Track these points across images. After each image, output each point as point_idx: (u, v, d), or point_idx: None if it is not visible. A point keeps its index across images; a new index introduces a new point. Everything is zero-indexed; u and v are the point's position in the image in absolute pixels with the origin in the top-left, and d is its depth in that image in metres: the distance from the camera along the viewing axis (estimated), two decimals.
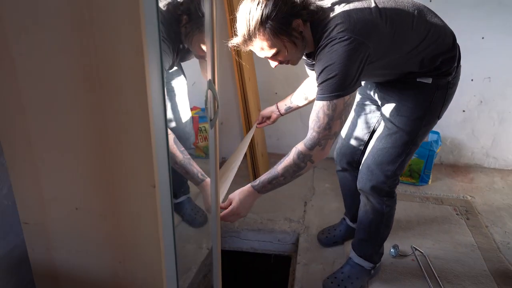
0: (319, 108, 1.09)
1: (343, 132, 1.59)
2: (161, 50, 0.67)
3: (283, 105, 1.61)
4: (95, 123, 0.72)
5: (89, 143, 0.74)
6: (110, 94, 0.69)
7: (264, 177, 1.15)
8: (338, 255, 1.72)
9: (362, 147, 1.53)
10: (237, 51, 1.95)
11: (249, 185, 1.19)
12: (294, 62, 1.19)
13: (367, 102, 1.49)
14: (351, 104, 1.32)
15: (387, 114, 1.31)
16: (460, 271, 1.60)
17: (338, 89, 1.05)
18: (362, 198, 1.46)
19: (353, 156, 1.56)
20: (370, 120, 1.49)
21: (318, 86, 1.09)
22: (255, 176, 2.36)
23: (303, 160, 1.11)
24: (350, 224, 1.77)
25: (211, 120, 0.99)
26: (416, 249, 1.71)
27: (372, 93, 1.42)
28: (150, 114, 0.69)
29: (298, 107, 1.59)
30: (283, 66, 1.25)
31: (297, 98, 1.56)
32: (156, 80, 0.69)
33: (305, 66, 1.36)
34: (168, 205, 0.79)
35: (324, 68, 1.05)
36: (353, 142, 1.55)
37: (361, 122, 1.52)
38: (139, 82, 0.66)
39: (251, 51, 1.15)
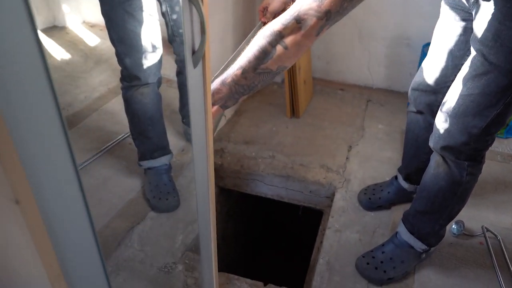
0: None
1: (426, 63, 1.13)
2: None
3: None
4: None
5: None
6: None
7: (216, 79, 0.77)
8: (381, 224, 1.38)
9: (449, 86, 1.08)
10: None
11: None
12: None
13: (458, 20, 0.99)
14: None
15: (477, 40, 0.84)
16: None
17: None
18: (435, 157, 1.05)
19: (436, 97, 1.12)
20: (463, 50, 1.01)
21: None
22: (293, 108, 1.97)
23: (272, 41, 0.70)
24: (403, 184, 1.39)
25: (194, 53, 0.60)
26: (487, 230, 1.32)
27: None
28: None
29: None
30: None
31: None
32: None
33: None
34: None
35: None
36: (436, 77, 1.10)
37: (448, 50, 1.04)
38: None
39: None
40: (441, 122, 0.98)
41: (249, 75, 0.72)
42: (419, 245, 1.15)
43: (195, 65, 0.61)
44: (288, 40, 0.70)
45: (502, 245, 1.27)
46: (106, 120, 1.85)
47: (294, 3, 0.71)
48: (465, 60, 1.00)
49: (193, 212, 1.45)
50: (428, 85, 1.13)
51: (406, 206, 1.41)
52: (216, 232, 1.89)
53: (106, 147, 1.67)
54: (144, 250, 1.28)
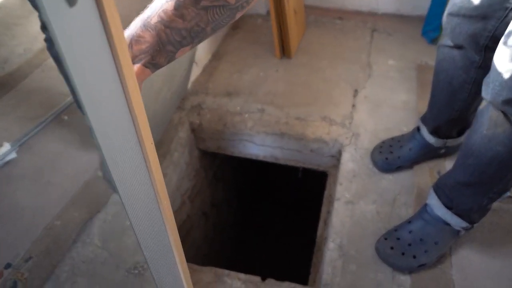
0: None
1: None
2: None
3: None
4: None
5: None
6: None
7: (136, 18, 0.44)
8: (402, 190, 1.12)
9: (508, 8, 0.76)
10: None
11: None
12: None
13: None
14: None
15: None
16: None
17: None
18: (489, 112, 0.75)
19: (486, 24, 0.79)
20: None
21: None
22: (283, 46, 1.62)
23: None
24: (429, 139, 1.10)
25: None
26: None
27: None
28: None
29: None
30: None
31: None
32: None
33: None
34: None
35: None
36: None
37: None
38: None
39: None
40: (505, 63, 0.67)
41: (188, 11, 0.39)
42: (458, 223, 0.90)
43: (71, 2, 0.28)
44: None
45: None
46: (52, 78, 1.49)
47: None
48: None
49: None
50: (476, 7, 0.79)
51: (432, 164, 1.14)
52: (204, 199, 1.65)
53: (53, 115, 1.34)
54: (107, 248, 1.02)
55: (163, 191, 0.52)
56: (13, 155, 1.20)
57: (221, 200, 1.86)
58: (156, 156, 0.45)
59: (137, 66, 0.43)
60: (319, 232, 1.21)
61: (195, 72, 1.56)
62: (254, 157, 1.46)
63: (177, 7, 0.39)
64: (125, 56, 0.35)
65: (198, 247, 1.63)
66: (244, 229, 2.27)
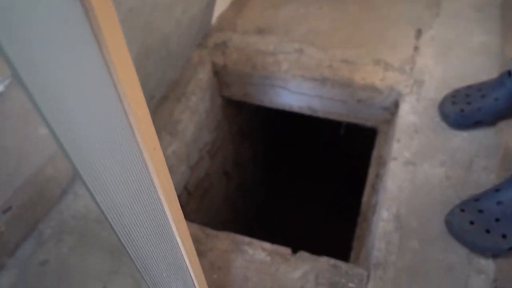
0: None
1: None
2: None
3: None
4: None
5: None
6: None
7: None
8: (481, 151, 0.87)
9: None
10: None
11: None
12: None
13: None
14: None
15: None
16: None
17: None
18: None
19: None
20: None
21: None
22: None
23: None
24: None
25: None
26: None
27: None
28: None
29: None
30: None
31: None
32: None
33: None
34: None
35: None
36: None
37: None
38: None
39: None
40: None
41: None
42: None
43: None
44: None
45: None
46: None
47: None
48: None
49: None
50: None
51: None
52: (227, 156, 1.45)
53: None
54: None
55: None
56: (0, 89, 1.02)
57: (246, 159, 1.66)
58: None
59: None
60: (364, 199, 0.99)
61: (221, 6, 1.32)
62: (287, 108, 1.23)
63: None
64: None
65: (218, 209, 1.45)
66: (272, 193, 2.07)
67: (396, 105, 1.06)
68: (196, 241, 0.80)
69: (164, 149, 1.01)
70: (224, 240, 0.80)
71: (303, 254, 0.77)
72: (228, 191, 1.51)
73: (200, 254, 0.78)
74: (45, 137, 0.92)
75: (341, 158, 1.87)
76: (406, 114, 0.97)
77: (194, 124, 1.15)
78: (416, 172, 0.85)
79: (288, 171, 2.15)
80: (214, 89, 1.24)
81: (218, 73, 1.22)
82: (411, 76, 1.06)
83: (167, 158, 1.03)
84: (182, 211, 1.08)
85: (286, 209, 2.05)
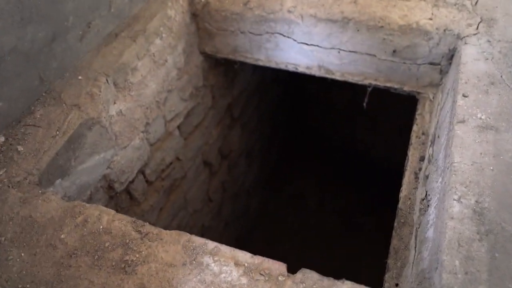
0: None
1: None
2: None
3: None
4: None
5: None
6: None
7: None
8: None
9: None
10: None
11: None
12: None
13: None
14: None
15: None
16: None
17: None
18: None
19: None
20: None
21: None
22: None
23: None
24: None
25: None
26: None
27: None
28: None
29: None
30: None
31: None
32: None
33: None
34: None
35: None
36: None
37: None
38: None
39: None
40: None
41: None
42: None
43: None
44: None
45: None
46: None
47: None
48: None
49: None
50: None
51: None
52: (209, 142, 1.10)
53: None
54: None
55: None
56: None
57: (238, 150, 1.32)
58: None
59: None
60: (404, 193, 0.65)
61: None
62: (291, 68, 0.91)
63: None
64: None
65: (195, 212, 1.11)
66: (270, 197, 1.73)
67: (450, 57, 0.73)
68: (123, 244, 0.47)
69: (104, 104, 0.68)
70: (171, 244, 0.47)
71: (307, 274, 0.44)
72: (210, 189, 1.17)
73: (125, 268, 0.45)
74: None
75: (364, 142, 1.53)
76: (474, 61, 0.64)
77: (158, 81, 0.83)
78: (497, 142, 0.52)
79: (293, 166, 1.80)
80: (191, 40, 0.92)
81: (197, 17, 0.90)
82: (475, 13, 0.73)
83: (109, 119, 0.70)
84: (135, 206, 0.72)
85: (290, 223, 1.70)
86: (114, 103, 0.72)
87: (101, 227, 0.50)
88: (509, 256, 0.41)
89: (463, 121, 0.55)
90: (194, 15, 0.91)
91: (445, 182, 0.51)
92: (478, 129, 0.54)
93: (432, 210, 0.53)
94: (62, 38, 0.66)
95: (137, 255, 0.47)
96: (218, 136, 1.18)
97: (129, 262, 0.47)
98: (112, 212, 0.52)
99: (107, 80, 0.69)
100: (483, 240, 0.42)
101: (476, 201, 0.46)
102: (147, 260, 0.47)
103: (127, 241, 0.48)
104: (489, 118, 0.56)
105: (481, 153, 0.51)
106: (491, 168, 0.49)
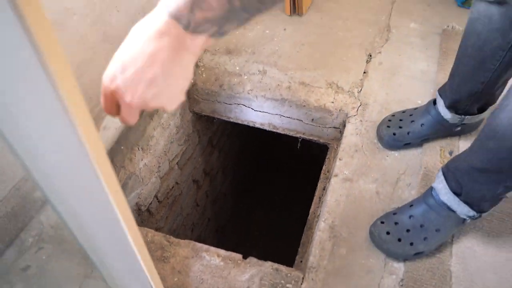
0: None
1: None
2: None
3: None
4: None
5: None
6: None
7: None
8: (408, 169, 1.04)
9: None
10: None
11: (159, 11, 0.41)
12: None
13: None
14: None
15: None
16: None
17: None
18: None
19: None
20: None
21: None
22: (295, 2, 1.50)
23: None
24: (445, 114, 1.01)
25: None
26: None
27: None
28: None
29: None
30: None
31: None
32: None
33: None
34: None
35: None
36: None
37: None
38: None
39: None
40: None
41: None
42: (465, 211, 0.82)
43: None
44: None
45: None
46: None
47: None
48: None
49: None
50: None
51: (445, 143, 1.05)
52: (197, 166, 1.60)
53: None
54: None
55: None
56: None
57: (215, 168, 1.81)
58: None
59: (201, 39, 0.39)
60: (312, 210, 1.15)
61: None
62: (251, 124, 1.39)
63: None
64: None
65: (188, 215, 1.60)
66: (240, 200, 2.24)
67: (344, 125, 1.22)
68: (161, 248, 0.95)
69: (137, 162, 1.16)
70: (185, 247, 0.96)
71: (252, 260, 0.93)
72: (197, 198, 1.66)
73: (164, 259, 0.94)
74: None
75: (299, 170, 2.04)
76: (350, 135, 1.14)
77: (165, 139, 1.29)
78: (352, 188, 1.02)
79: (255, 179, 2.32)
80: (184, 106, 1.39)
81: (189, 91, 1.36)
82: (358, 99, 1.22)
83: (139, 170, 1.18)
84: (152, 218, 1.27)
85: (254, 213, 2.22)
86: (142, 159, 1.19)
87: (148, 239, 0.98)
88: (340, 248, 0.91)
89: (336, 175, 1.05)
90: (187, 91, 1.37)
91: (322, 210, 1.01)
92: (343, 180, 1.04)
93: (319, 223, 1.03)
94: None
95: (169, 253, 0.96)
96: (202, 161, 1.66)
97: (165, 257, 0.95)
98: (152, 230, 1.00)
99: (138, 148, 1.16)
100: (330, 240, 0.93)
101: (332, 221, 0.96)
102: (174, 255, 0.95)
103: (163, 246, 0.97)
104: (350, 173, 1.06)
105: (340, 194, 1.01)
106: (343, 202, 0.99)
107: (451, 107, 0.99)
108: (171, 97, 0.45)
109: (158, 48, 0.40)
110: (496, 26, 0.79)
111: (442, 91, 1.02)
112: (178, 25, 0.39)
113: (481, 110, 0.99)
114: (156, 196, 1.31)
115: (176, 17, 0.39)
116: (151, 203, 1.28)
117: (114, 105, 0.46)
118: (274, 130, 1.37)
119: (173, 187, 1.42)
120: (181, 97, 0.46)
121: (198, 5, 0.37)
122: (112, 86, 0.43)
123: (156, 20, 0.40)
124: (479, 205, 0.81)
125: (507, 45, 0.80)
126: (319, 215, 1.07)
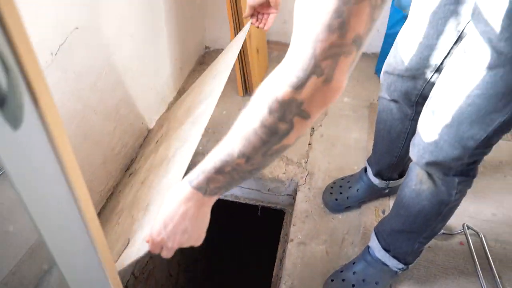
0: None
1: (402, 37, 0.93)
2: None
3: None
4: None
5: None
6: None
7: (208, 163, 0.57)
8: (350, 229, 1.24)
9: (433, 74, 0.89)
10: None
11: (185, 185, 0.61)
12: None
13: None
14: None
15: (482, 17, 0.64)
16: None
17: None
18: (416, 169, 0.88)
19: (415, 83, 0.93)
20: (456, 25, 0.81)
21: None
22: (246, 84, 1.73)
23: (285, 115, 0.50)
24: (374, 180, 1.23)
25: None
26: (469, 228, 1.20)
27: None
28: None
29: None
30: None
31: None
32: None
33: None
34: None
35: None
36: (416, 58, 0.89)
37: (433, 20, 0.83)
38: None
39: None
40: (426, 127, 0.79)
41: (257, 160, 0.55)
42: (394, 264, 1.02)
43: (14, 125, 0.36)
44: (311, 105, 0.49)
45: (484, 243, 1.17)
46: None
47: (294, 46, 0.49)
48: (457, 38, 0.80)
49: None
50: (406, 68, 0.93)
51: (378, 204, 1.27)
52: None
53: None
54: None
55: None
56: None
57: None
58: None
59: (215, 198, 0.60)
60: (274, 272, 1.31)
61: (161, 109, 1.65)
62: None
63: (248, 160, 0.54)
64: (75, 172, 0.43)
65: (162, 286, 1.69)
66: (210, 266, 2.35)
67: (295, 192, 1.42)
68: None
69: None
70: None
71: None
72: (170, 268, 1.77)
73: None
74: (11, 245, 1.15)
75: (262, 235, 2.21)
76: (301, 202, 1.33)
77: None
78: (305, 250, 1.19)
79: (223, 247, 2.47)
80: None
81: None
82: (305, 169, 1.44)
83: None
84: None
85: (223, 278, 2.33)
86: None
87: None
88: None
89: (291, 240, 1.23)
90: None
91: (282, 273, 1.17)
92: (297, 244, 1.22)
93: (281, 286, 1.18)
94: None
95: None
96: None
97: None
98: None
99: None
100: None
101: (291, 283, 1.12)
102: None
103: None
104: (303, 237, 1.23)
105: (296, 257, 1.18)
106: (299, 265, 1.16)
107: (377, 174, 1.21)
108: (198, 237, 0.64)
109: (186, 209, 0.60)
110: (396, 117, 1.04)
111: (369, 161, 1.25)
112: (199, 193, 0.59)
113: (401, 175, 1.22)
114: (133, 273, 1.42)
115: (197, 188, 0.59)
116: (128, 280, 1.39)
117: (159, 248, 0.65)
118: (236, 200, 1.54)
119: (147, 262, 1.53)
120: (203, 235, 0.65)
121: (211, 180, 0.57)
122: (158, 239, 0.62)
123: (183, 190, 0.60)
124: (404, 259, 1.01)
125: (407, 130, 1.05)
126: (280, 278, 1.23)
